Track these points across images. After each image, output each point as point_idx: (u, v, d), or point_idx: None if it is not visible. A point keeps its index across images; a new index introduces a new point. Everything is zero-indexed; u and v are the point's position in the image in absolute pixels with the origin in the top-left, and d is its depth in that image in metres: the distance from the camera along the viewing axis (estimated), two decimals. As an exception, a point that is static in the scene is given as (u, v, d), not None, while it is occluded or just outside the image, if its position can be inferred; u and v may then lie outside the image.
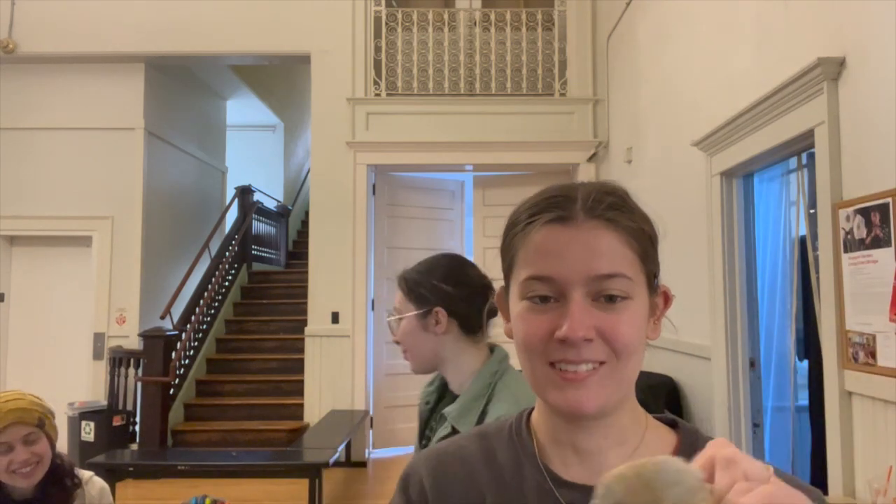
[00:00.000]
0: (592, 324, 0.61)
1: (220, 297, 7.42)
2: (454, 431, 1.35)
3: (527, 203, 0.68)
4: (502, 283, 0.72)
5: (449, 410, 1.40)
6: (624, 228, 0.63)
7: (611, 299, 0.62)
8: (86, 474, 1.90)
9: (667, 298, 0.68)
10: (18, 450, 1.71)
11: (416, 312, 1.47)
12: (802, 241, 3.12)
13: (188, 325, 6.57)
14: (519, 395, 1.35)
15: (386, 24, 6.20)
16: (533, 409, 0.73)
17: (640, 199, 0.68)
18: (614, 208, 0.64)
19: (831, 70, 2.49)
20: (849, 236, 2.39)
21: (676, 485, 0.40)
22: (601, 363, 0.62)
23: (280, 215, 9.53)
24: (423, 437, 1.52)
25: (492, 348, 1.50)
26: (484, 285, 1.50)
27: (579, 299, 0.61)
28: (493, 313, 1.49)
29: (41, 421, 1.76)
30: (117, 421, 5.75)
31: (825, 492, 2.49)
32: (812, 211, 2.86)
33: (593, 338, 0.61)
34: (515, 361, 0.77)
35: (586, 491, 0.62)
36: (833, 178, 2.50)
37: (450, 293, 1.46)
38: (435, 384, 1.57)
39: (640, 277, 0.64)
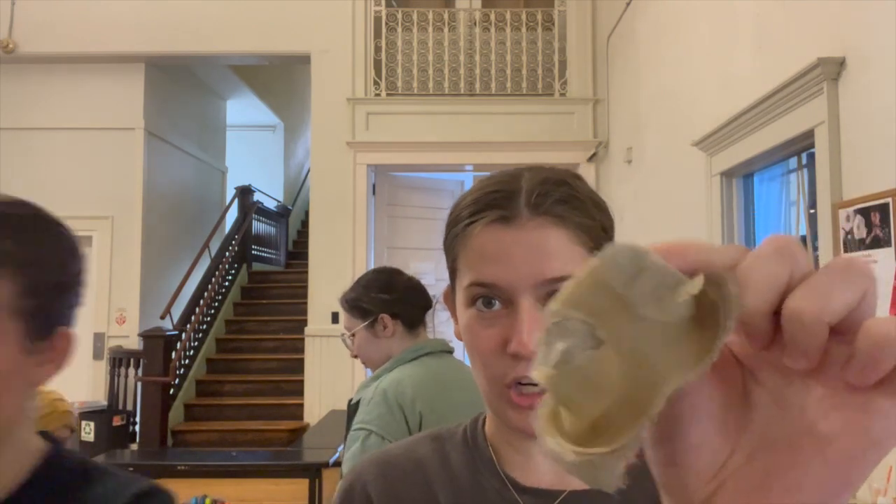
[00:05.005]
0: None
1: (219, 297, 7.42)
2: (358, 402, 1.59)
3: (467, 198, 0.62)
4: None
5: (361, 384, 1.65)
6: (574, 224, 0.58)
7: None
8: None
9: None
10: None
11: (364, 324, 1.72)
12: (802, 241, 3.11)
13: (188, 325, 6.57)
14: (404, 379, 1.55)
15: (386, 24, 6.20)
16: (485, 416, 0.69)
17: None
18: (562, 202, 0.58)
19: (831, 70, 2.49)
20: (849, 236, 2.39)
21: (641, 272, 0.27)
22: None
23: (280, 215, 9.53)
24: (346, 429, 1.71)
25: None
26: (414, 287, 1.75)
27: (529, 307, 0.56)
28: (427, 307, 1.75)
29: (72, 428, 1.82)
30: (117, 421, 5.75)
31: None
32: (812, 211, 2.86)
33: None
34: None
35: (549, 495, 0.61)
36: (833, 178, 2.50)
37: (387, 300, 1.71)
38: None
39: None
